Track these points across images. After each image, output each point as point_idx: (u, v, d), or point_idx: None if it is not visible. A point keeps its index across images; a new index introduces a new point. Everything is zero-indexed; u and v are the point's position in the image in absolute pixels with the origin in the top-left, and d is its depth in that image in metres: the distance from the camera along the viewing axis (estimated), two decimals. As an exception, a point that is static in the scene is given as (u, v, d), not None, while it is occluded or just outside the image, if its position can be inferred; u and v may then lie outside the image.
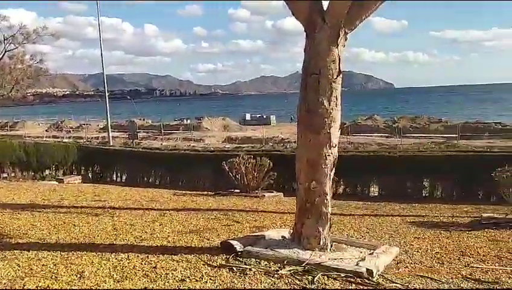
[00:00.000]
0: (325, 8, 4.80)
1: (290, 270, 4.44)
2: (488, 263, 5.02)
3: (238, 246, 5.08)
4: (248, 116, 64.89)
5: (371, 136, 36.56)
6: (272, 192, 12.15)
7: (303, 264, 4.53)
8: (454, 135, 28.74)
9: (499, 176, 7.81)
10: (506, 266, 4.85)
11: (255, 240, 5.39)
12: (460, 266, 4.87)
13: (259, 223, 7.42)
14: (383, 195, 13.30)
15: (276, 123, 59.14)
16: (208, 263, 4.75)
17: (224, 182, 13.08)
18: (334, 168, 5.08)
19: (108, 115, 31.81)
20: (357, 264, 4.55)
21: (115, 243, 5.82)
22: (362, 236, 6.57)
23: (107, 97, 31.50)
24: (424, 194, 13.08)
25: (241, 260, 4.80)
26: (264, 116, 63.62)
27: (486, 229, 6.94)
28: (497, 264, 4.97)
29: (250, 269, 4.48)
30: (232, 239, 5.44)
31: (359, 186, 14.06)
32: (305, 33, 4.94)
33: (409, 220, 8.06)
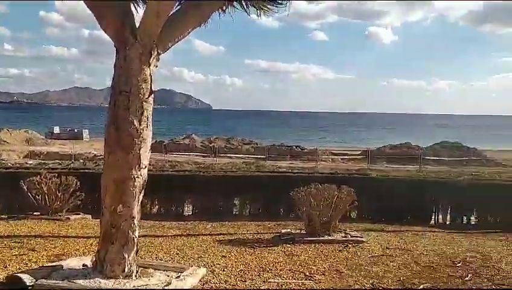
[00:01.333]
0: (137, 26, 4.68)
1: (88, 304, 4.07)
2: (283, 277, 5.49)
3: (27, 280, 4.45)
4: (57, 130, 59.16)
5: (188, 155, 37.19)
6: (79, 214, 11.17)
7: (104, 296, 4.21)
8: (262, 156, 31.38)
9: (295, 195, 8.70)
10: (298, 279, 5.38)
11: (50, 272, 4.81)
12: (260, 282, 5.20)
13: (59, 251, 6.70)
14: (196, 214, 13.52)
15: (89, 138, 55.34)
16: (-14, 304, 4.03)
17: (23, 203, 11.50)
18: (143, 191, 4.91)
19: None
20: (162, 290, 4.44)
21: None
22: (172, 258, 6.51)
23: None
24: (234, 212, 13.76)
25: (30, 296, 4.21)
26: (76, 130, 58.98)
27: (284, 244, 7.63)
28: (290, 277, 5.48)
29: (40, 307, 3.95)
30: (21, 272, 4.75)
31: (174, 205, 14.02)
32: (115, 49, 4.72)
33: (218, 239, 8.33)
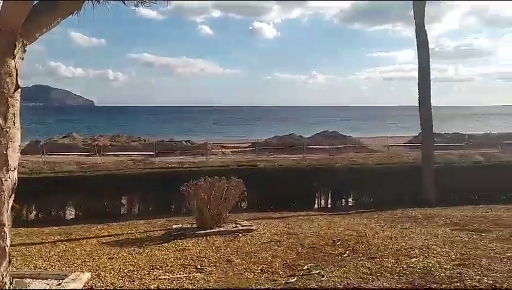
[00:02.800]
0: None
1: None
2: (174, 273, 5.43)
3: None
4: None
5: (69, 155, 34.63)
6: None
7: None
8: (151, 153, 30.50)
9: (185, 190, 8.63)
10: (189, 273, 5.36)
11: None
12: (149, 281, 5.08)
13: None
14: (80, 217, 12.71)
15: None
16: None
17: None
18: (13, 195, 4.46)
19: None
20: (41, 301, 4.10)
21: None
22: (52, 265, 6.05)
23: None
24: (122, 212, 13.21)
25: None
26: None
27: (175, 240, 7.54)
28: (182, 272, 5.44)
29: None
30: None
31: (54, 210, 13.01)
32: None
33: (104, 241, 7.94)
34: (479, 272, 5.29)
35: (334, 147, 32.96)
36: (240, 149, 37.47)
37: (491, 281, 4.95)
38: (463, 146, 31.71)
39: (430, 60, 13.32)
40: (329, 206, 13.30)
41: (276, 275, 5.38)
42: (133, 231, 9.08)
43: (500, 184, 13.28)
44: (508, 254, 6.12)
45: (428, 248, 6.59)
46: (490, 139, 36.61)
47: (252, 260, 6.09)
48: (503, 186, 13.37)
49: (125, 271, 5.54)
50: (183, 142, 38.23)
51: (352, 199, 13.73)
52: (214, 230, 8.14)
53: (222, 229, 8.26)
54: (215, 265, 5.82)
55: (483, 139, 37.01)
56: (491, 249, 6.44)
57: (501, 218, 9.38)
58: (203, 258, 6.17)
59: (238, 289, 4.86)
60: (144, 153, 32.92)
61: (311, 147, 32.25)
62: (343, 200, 13.65)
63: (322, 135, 40.68)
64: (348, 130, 47.90)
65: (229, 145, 40.31)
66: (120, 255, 6.56)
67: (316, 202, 13.48)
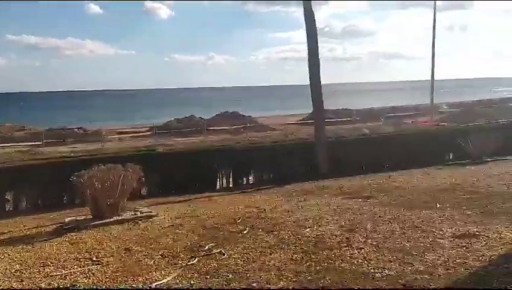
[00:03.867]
0: None
1: None
2: (67, 268, 5.13)
3: None
4: None
5: None
6: None
7: None
8: (39, 142, 28.22)
9: (77, 180, 8.11)
10: (83, 267, 5.10)
11: None
12: (40, 279, 4.76)
13: None
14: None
15: None
16: None
17: None
18: None
19: None
20: None
21: None
22: None
23: None
24: (7, 209, 12.12)
25: None
26: None
27: (68, 234, 7.11)
28: (76, 266, 5.16)
29: None
30: None
31: None
32: None
33: (-14, 242, 7.23)
34: (365, 235, 5.80)
35: (234, 127, 33.39)
36: (138, 134, 36.26)
37: (374, 242, 5.46)
38: (352, 120, 34.16)
39: (320, 40, 14.02)
40: (231, 186, 13.51)
41: (178, 259, 5.35)
42: (20, 228, 8.37)
43: (383, 154, 14.61)
44: (389, 217, 6.80)
45: (321, 217, 7.04)
46: (375, 113, 39.92)
47: (152, 246, 5.99)
48: (385, 156, 14.72)
49: (13, 271, 5.10)
50: (76, 129, 35.89)
51: (253, 177, 14.09)
52: (111, 220, 7.81)
53: (120, 217, 7.96)
54: (112, 255, 5.61)
55: (369, 113, 40.21)
56: (375, 214, 7.09)
57: (383, 185, 10.34)
58: (100, 250, 5.91)
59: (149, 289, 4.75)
60: (30, 143, 30.36)
61: (212, 128, 32.33)
62: (244, 179, 13.95)
63: (223, 115, 40.86)
64: (248, 110, 48.72)
65: (126, 130, 38.81)
66: (6, 254, 6.02)
67: (218, 182, 13.60)
